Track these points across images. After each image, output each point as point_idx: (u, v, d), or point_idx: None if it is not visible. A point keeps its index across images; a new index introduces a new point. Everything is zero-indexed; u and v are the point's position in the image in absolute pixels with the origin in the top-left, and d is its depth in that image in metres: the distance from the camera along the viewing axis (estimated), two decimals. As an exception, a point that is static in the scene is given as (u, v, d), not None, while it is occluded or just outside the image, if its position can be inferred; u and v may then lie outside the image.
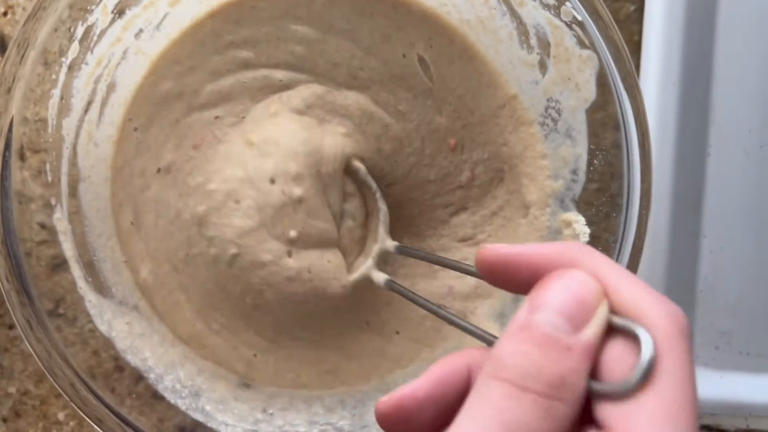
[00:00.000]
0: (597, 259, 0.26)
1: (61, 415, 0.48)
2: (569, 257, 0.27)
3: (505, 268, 0.28)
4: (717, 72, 0.48)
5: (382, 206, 0.44)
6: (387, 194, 0.45)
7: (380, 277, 0.43)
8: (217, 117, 0.44)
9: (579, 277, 0.26)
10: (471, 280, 0.45)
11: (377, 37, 0.44)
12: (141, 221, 0.44)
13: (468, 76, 0.44)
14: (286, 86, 0.44)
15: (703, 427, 0.48)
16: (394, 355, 0.45)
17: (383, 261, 0.45)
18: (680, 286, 0.48)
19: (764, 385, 0.48)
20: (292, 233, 0.42)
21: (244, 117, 0.44)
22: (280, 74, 0.44)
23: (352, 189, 0.44)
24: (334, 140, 0.43)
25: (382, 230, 0.44)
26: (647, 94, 0.48)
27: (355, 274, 0.43)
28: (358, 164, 0.44)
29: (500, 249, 0.29)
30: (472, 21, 0.43)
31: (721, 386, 0.48)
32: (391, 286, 0.42)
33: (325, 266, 0.42)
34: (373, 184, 0.44)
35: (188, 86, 0.44)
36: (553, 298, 0.25)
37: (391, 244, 0.44)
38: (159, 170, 0.44)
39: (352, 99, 0.45)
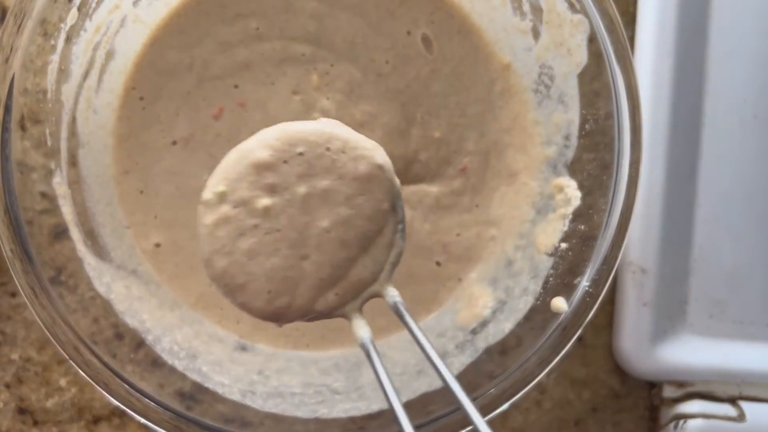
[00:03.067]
0: None
1: (62, 382, 0.48)
2: None
3: None
4: (712, 41, 0.48)
5: (399, 242, 0.36)
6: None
7: (362, 331, 0.35)
8: (236, 86, 0.45)
9: None
10: (465, 241, 0.45)
11: (383, 12, 0.45)
12: (154, 191, 0.45)
13: (466, 51, 0.45)
14: (310, 60, 0.45)
15: (696, 394, 0.48)
16: (393, 316, 0.45)
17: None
18: (675, 255, 0.48)
19: (757, 353, 0.48)
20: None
21: (273, 83, 0.45)
22: (300, 47, 0.45)
23: None
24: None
25: (386, 271, 0.36)
26: (642, 64, 0.48)
27: (330, 310, 0.35)
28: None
29: None
30: (466, -11, 0.44)
31: (715, 354, 0.48)
32: (366, 350, 0.34)
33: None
34: (401, 212, 0.36)
35: (197, 57, 0.45)
36: None
37: (392, 294, 0.36)
38: (175, 143, 0.45)
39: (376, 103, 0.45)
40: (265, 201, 0.33)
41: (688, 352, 0.48)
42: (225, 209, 0.33)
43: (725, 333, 0.48)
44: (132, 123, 0.45)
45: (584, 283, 0.39)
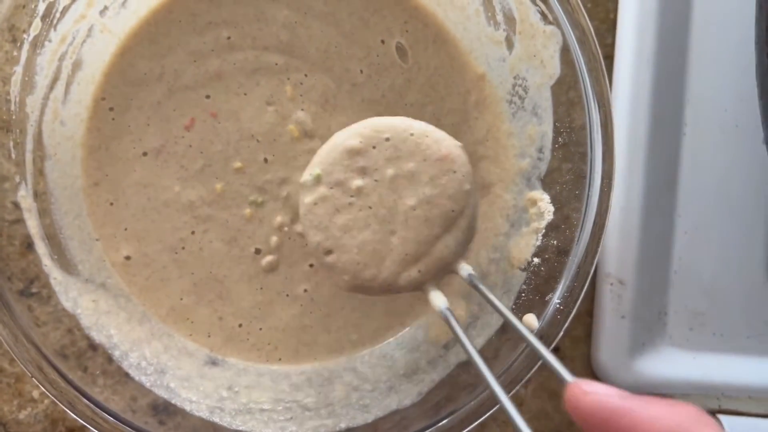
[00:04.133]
0: None
1: (35, 393, 0.48)
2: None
3: (604, 422, 0.24)
4: (692, 50, 0.48)
5: (474, 224, 0.39)
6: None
7: (439, 301, 0.38)
8: (208, 96, 0.44)
9: None
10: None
11: (356, 21, 0.44)
12: (125, 202, 0.44)
13: (441, 61, 0.45)
14: (283, 70, 0.44)
15: (676, 407, 0.47)
16: (368, 329, 0.45)
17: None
18: (654, 267, 0.47)
19: (736, 366, 0.47)
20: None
21: (246, 93, 0.44)
22: (273, 57, 0.44)
23: None
24: None
25: (465, 251, 0.40)
26: (621, 73, 0.47)
27: (412, 286, 0.38)
28: None
29: (598, 395, 0.24)
30: (441, -2, 0.43)
31: (694, 367, 0.47)
32: (445, 316, 0.37)
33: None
34: (475, 195, 0.40)
35: (168, 67, 0.44)
36: None
37: (465, 269, 0.39)
38: (145, 154, 0.44)
39: (351, 113, 0.45)
40: (357, 182, 0.37)
41: (667, 365, 0.47)
42: (322, 190, 0.37)
43: (705, 346, 0.48)
44: (102, 134, 0.44)
45: (555, 300, 0.39)
